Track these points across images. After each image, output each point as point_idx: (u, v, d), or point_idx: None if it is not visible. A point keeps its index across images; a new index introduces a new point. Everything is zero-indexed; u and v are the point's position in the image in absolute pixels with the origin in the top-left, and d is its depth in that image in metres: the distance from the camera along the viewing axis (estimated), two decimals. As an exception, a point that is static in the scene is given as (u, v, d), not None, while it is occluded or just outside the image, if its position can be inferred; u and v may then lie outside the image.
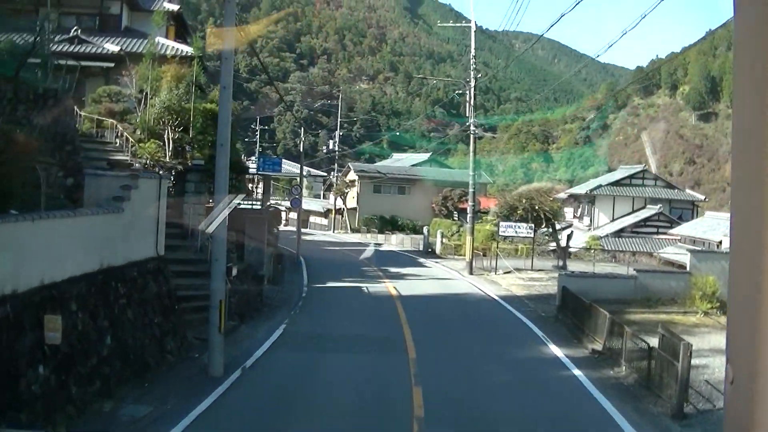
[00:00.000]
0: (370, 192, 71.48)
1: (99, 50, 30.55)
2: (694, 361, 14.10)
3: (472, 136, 37.17)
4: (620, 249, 53.61)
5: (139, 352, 13.24)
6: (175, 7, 33.95)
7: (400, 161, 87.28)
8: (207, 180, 22.24)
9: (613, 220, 60.64)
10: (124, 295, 13.11)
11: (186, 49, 29.63)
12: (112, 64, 30.17)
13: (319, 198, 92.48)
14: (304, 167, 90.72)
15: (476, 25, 36.73)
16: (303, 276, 32.94)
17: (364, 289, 29.25)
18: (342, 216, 75.80)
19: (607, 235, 56.90)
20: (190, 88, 27.34)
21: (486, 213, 53.29)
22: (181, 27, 35.86)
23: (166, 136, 26.16)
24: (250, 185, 31.53)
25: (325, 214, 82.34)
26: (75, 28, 31.08)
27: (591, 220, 62.50)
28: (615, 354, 17.16)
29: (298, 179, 46.54)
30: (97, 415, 11.07)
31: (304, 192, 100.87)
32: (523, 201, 39.65)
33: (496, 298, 28.24)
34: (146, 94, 27.14)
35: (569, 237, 41.52)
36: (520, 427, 12.22)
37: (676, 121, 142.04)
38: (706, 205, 65.53)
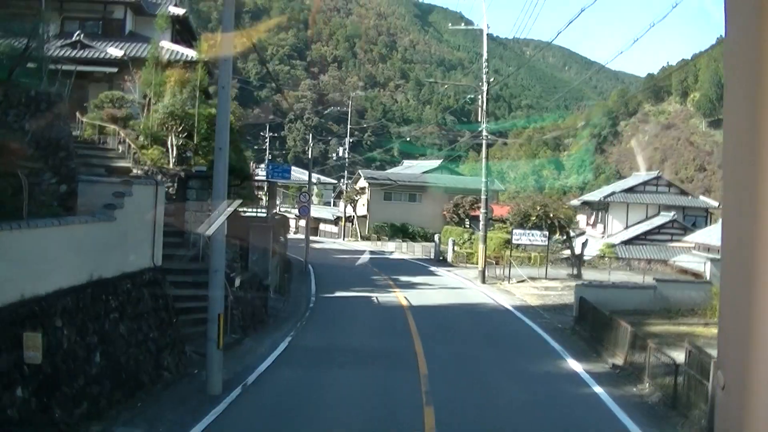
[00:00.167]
0: (380, 199, 70.71)
1: (102, 55, 29.97)
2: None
3: (484, 141, 36.29)
4: (634, 257, 52.73)
5: (132, 370, 12.42)
6: (180, 12, 33.32)
7: (411, 168, 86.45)
8: (209, 187, 21.44)
9: (627, 227, 59.78)
10: (116, 308, 12.30)
11: (190, 54, 28.94)
12: (116, 69, 29.57)
13: (330, 206, 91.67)
14: (314, 175, 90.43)
15: (487, 29, 35.83)
16: (311, 285, 32.13)
17: (374, 299, 28.39)
18: (352, 224, 75.00)
19: (620, 243, 55.96)
20: (195, 93, 26.62)
21: (497, 221, 52.34)
22: (187, 32, 35.19)
23: (169, 142, 25.46)
24: (259, 193, 30.78)
25: (335, 221, 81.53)
26: (78, 32, 30.53)
27: (604, 228, 61.65)
28: (637, 370, 16.22)
29: (307, 187, 45.78)
30: (83, 439, 10.29)
31: (314, 200, 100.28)
32: (537, 208, 38.77)
33: (510, 308, 27.34)
34: (149, 99, 26.45)
35: (584, 245, 40.53)
36: (540, 451, 11.34)
37: (687, 128, 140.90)
38: (719, 212, 64.41)
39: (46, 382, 9.76)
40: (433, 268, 43.61)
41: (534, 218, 37.82)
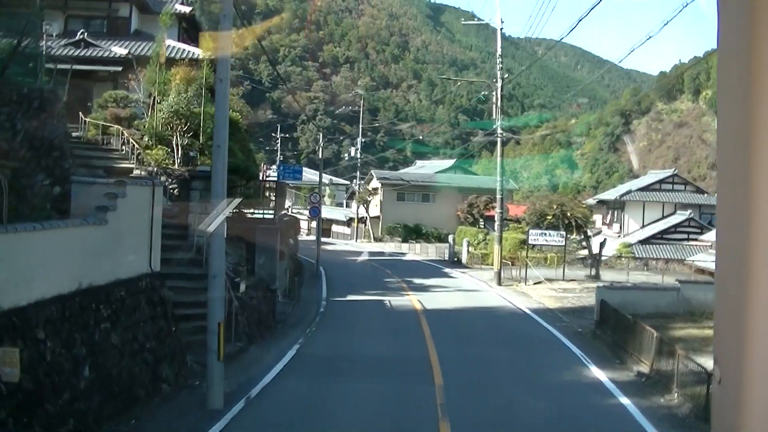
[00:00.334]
0: (393, 200, 69.81)
1: (106, 54, 29.25)
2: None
3: (499, 139, 35.27)
4: (651, 256, 51.78)
5: (125, 383, 11.60)
6: (187, 9, 32.62)
7: (424, 168, 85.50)
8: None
9: (643, 226, 58.81)
10: (108, 318, 11.47)
11: (195, 51, 28.20)
12: (120, 68, 28.83)
13: (342, 207, 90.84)
14: (327, 175, 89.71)
15: (501, 26, 34.85)
16: (322, 289, 31.27)
17: (387, 303, 27.49)
18: (365, 225, 74.15)
19: (637, 242, 54.92)
20: (200, 92, 25.87)
21: (512, 220, 51.30)
22: (194, 30, 34.42)
23: (174, 142, 24.73)
24: (271, 194, 29.97)
25: (348, 222, 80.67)
26: (81, 31, 29.83)
27: (620, 227, 60.65)
28: (665, 378, 15.24)
29: (320, 188, 44.93)
30: (69, 460, 9.48)
31: (326, 201, 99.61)
32: (554, 207, 37.76)
33: (528, 311, 26.36)
34: (154, 98, 25.72)
35: (602, 245, 39.44)
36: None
37: (699, 126, 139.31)
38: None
39: (26, 399, 8.95)
40: (447, 270, 42.65)
41: (550, 218, 36.78)
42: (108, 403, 10.88)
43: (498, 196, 36.16)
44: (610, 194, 65.94)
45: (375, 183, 73.07)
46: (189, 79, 26.33)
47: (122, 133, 25.01)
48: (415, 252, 58.08)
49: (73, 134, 25.76)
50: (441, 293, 31.13)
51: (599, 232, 54.03)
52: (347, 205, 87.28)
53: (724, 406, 1.57)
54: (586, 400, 14.17)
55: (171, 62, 27.12)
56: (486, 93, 39.75)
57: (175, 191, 22.56)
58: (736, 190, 1.55)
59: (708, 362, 13.47)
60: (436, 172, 76.50)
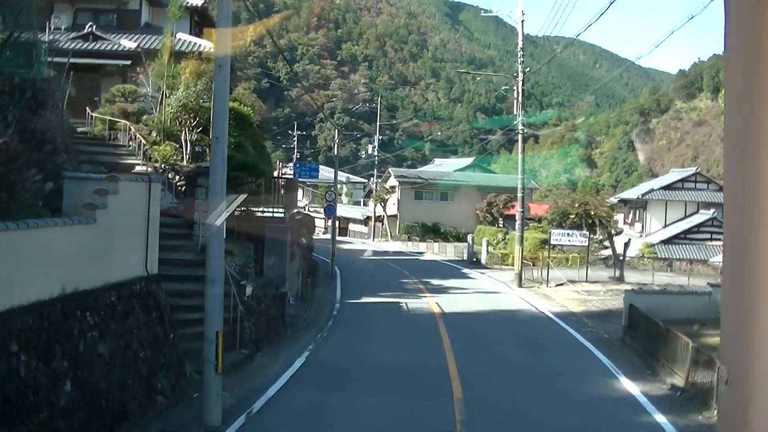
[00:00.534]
0: (411, 198, 68.74)
1: (115, 47, 28.43)
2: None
3: (520, 135, 34.02)
4: (674, 257, 50.53)
5: (115, 397, 10.59)
6: (199, 2, 31.73)
7: (442, 166, 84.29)
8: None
9: (665, 226, 57.54)
10: (95, 325, 10.47)
11: (207, 44, 27.25)
12: (129, 62, 27.99)
13: (360, 205, 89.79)
14: (344, 174, 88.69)
15: (522, 17, 33.60)
16: (336, 290, 30.21)
17: (403, 305, 26.37)
18: (382, 224, 73.08)
19: (659, 242, 53.61)
20: (210, 86, 24.88)
21: (531, 219, 50.03)
22: (206, 23, 33.48)
23: (183, 137, 23.80)
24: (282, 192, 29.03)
25: (365, 221, 79.60)
26: (90, 24, 29.03)
27: (642, 227, 59.37)
28: (702, 392, 14.00)
29: (335, 186, 43.84)
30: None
31: (344, 199, 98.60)
32: (576, 206, 36.48)
33: (551, 315, 25.17)
34: (163, 92, 24.79)
35: (626, 245, 38.14)
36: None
37: (719, 124, 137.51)
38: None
39: (-6, 421, 7.95)
40: (466, 271, 41.48)
41: (573, 217, 35.48)
42: (94, 420, 9.87)
43: (519, 195, 34.93)
44: (631, 193, 64.77)
45: (392, 181, 72.02)
46: (199, 72, 25.38)
47: (129, 128, 24.18)
48: (433, 251, 56.95)
49: (80, 129, 25.19)
50: (460, 295, 29.98)
51: (621, 232, 52.73)
52: (365, 204, 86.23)
53: (732, 407, 1.57)
54: (619, 418, 13.02)
55: (181, 56, 26.22)
56: (506, 87, 38.63)
57: (182, 188, 21.63)
58: (742, 193, 1.57)
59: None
60: (454, 171, 75.32)
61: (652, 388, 15.08)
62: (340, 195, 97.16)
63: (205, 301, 10.97)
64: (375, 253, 53.00)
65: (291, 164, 58.31)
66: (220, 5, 11.09)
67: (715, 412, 12.97)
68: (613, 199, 59.92)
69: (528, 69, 34.58)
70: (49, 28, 28.74)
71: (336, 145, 42.26)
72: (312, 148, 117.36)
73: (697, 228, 54.43)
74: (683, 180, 59.98)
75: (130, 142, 24.19)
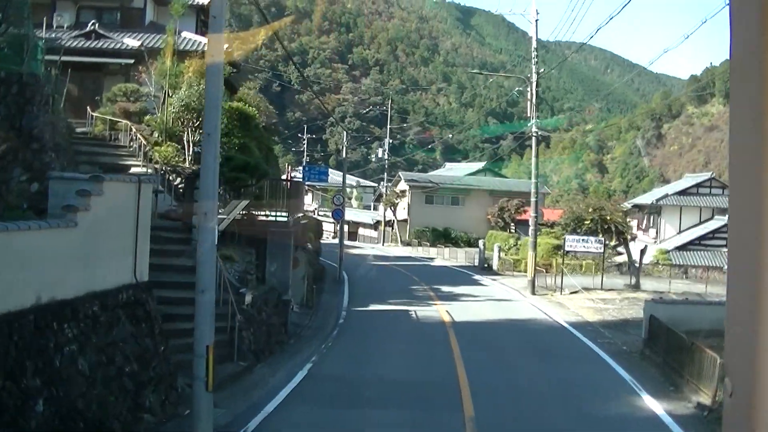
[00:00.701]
0: (421, 203, 67.84)
1: (118, 46, 27.67)
2: None
3: (534, 137, 33.00)
4: (689, 263, 49.44)
5: (95, 417, 9.70)
6: (205, 0, 30.93)
7: (453, 170, 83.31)
8: (219, 185, 18.82)
9: (680, 232, 56.38)
10: (74, 338, 9.59)
11: (204, 41, 26.47)
12: (132, 61, 27.22)
13: (370, 209, 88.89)
14: (354, 177, 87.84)
15: (536, 17, 32.62)
16: (343, 297, 29.28)
17: (412, 313, 25.41)
18: (392, 228, 72.15)
19: (674, 249, 52.47)
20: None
21: (544, 225, 48.96)
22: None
23: (185, 138, 22.99)
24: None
25: (375, 226, 78.68)
26: (92, 22, 28.30)
27: (657, 232, 58.22)
28: (732, 411, 12.98)
29: (343, 189, 42.94)
30: None
31: (354, 203, 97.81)
32: (590, 210, 35.44)
33: (566, 325, 24.16)
34: (166, 92, 24.00)
35: (643, 252, 37.07)
36: None
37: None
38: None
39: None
40: (477, 277, 40.47)
41: (589, 222, 34.42)
42: (70, 442, 8.99)
43: (532, 199, 33.91)
44: (645, 198, 63.74)
45: (403, 185, 71.11)
46: (203, 71, 24.51)
47: (130, 128, 23.41)
48: (444, 257, 55.98)
49: (81, 129, 24.48)
50: (471, 303, 29.00)
51: (634, 238, 51.70)
52: (375, 208, 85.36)
53: (736, 419, 1.56)
54: (644, 440, 12.04)
55: (185, 54, 25.45)
56: (520, 89, 37.64)
57: (181, 190, 20.81)
58: (747, 202, 1.57)
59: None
60: (465, 175, 74.37)
61: (676, 406, 14.09)
62: (350, 199, 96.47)
63: (195, 312, 10.06)
64: (384, 258, 52.07)
65: (301, 168, 57.56)
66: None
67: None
68: (627, 205, 58.91)
69: (542, 70, 33.53)
70: (48, 26, 28.29)
71: (344, 148, 41.25)
72: (323, 151, 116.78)
73: (712, 234, 53.22)
74: (698, 185, 58.89)
75: (131, 143, 23.43)
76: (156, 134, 23.42)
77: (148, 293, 12.13)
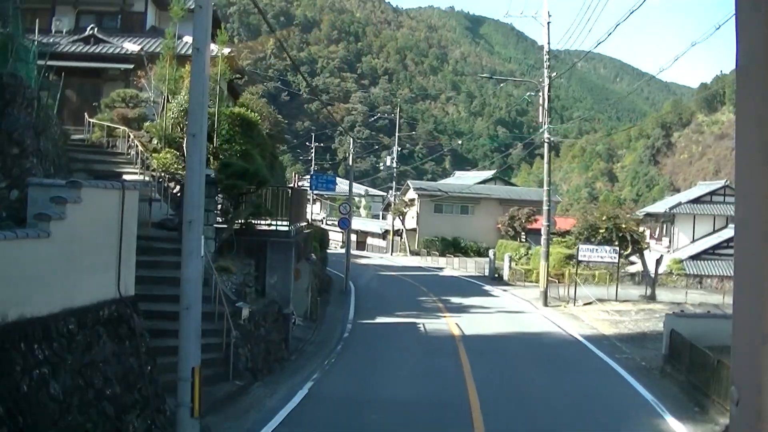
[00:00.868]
0: (430, 212, 66.94)
1: (117, 50, 26.95)
2: None
3: (546, 143, 32.01)
4: (703, 273, 48.43)
5: (69, 447, 8.78)
6: (208, 5, 30.15)
7: (463, 179, 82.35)
8: (217, 193, 17.97)
9: (693, 241, 55.24)
10: (46, 360, 8.69)
11: (215, 48, 25.72)
12: (131, 66, 26.47)
13: (378, 218, 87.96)
14: (363, 186, 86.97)
15: (548, 19, 31.73)
16: (349, 309, 28.32)
17: (420, 326, 24.43)
18: (401, 238, 71.21)
19: (688, 258, 51.37)
20: (214, 89, 23.28)
21: (554, 234, 47.95)
22: (216, 28, 32.00)
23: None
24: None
25: (383, 235, 77.74)
26: (91, 26, 27.60)
27: (670, 241, 57.13)
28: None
29: (350, 197, 42.02)
30: None
31: (362, 212, 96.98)
32: (605, 219, 34.41)
33: (581, 338, 23.14)
34: (165, 97, 23.22)
35: (658, 262, 36.00)
36: None
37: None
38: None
39: None
40: (487, 287, 39.47)
41: (603, 231, 33.37)
42: (38, 477, 8.08)
43: (545, 207, 32.90)
44: (658, 207, 62.78)
45: (411, 194, 70.20)
46: (203, 76, 23.69)
47: (128, 135, 22.63)
48: (453, 267, 54.99)
49: (78, 136, 23.81)
50: (482, 315, 28.01)
51: (647, 247, 50.70)
52: (383, 217, 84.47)
53: (743, 427, 1.55)
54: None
55: (186, 59, 24.57)
56: (531, 94, 36.72)
57: (180, 199, 19.96)
58: (755, 212, 1.55)
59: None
60: (474, 183, 73.40)
61: (703, 429, 13.10)
62: (359, 208, 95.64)
63: (180, 331, 9.17)
64: (392, 268, 51.14)
65: (309, 176, 56.82)
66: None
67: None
68: (639, 213, 57.91)
69: (554, 74, 32.58)
70: (47, 31, 27.61)
71: (351, 156, 40.36)
72: (332, 160, 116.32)
73: (727, 243, 52.07)
74: (711, 193, 57.85)
75: (129, 150, 22.65)
76: (155, 141, 22.66)
77: (133, 308, 11.22)
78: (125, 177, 17.42)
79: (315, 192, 59.57)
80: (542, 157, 33.65)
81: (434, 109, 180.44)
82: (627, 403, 15.11)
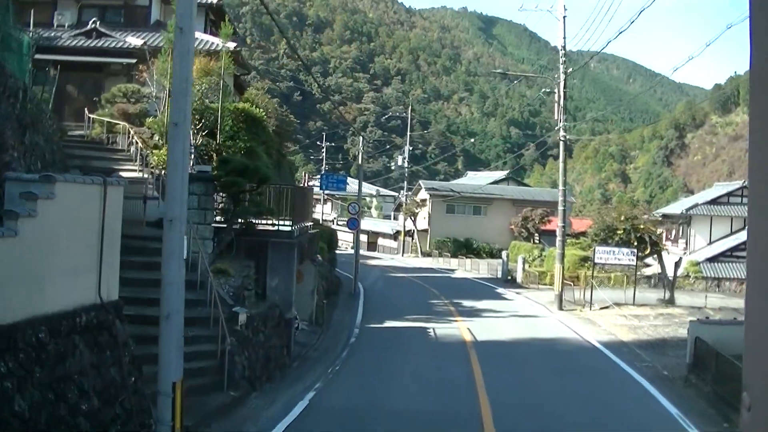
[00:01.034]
0: (442, 212, 65.92)
1: (119, 44, 26.19)
2: None
3: (561, 142, 30.92)
4: (721, 276, 47.21)
5: (36, 469, 7.90)
6: (215, 0, 29.53)
7: (475, 179, 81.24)
8: (215, 191, 17.11)
9: (710, 242, 53.94)
10: (10, 373, 7.81)
11: (214, 41, 24.98)
12: (134, 61, 25.70)
13: (390, 219, 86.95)
14: (374, 186, 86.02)
15: (564, 13, 30.66)
16: (357, 312, 27.40)
17: (431, 331, 23.47)
18: (412, 238, 70.21)
19: (705, 260, 50.13)
20: (218, 84, 22.48)
21: (569, 235, 46.87)
22: (223, 22, 31.26)
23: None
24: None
25: (395, 236, 76.75)
26: (93, 20, 26.86)
27: (687, 243, 55.87)
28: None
29: (359, 197, 41.11)
30: None
31: (373, 213, 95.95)
32: (622, 219, 33.33)
33: (598, 345, 22.12)
34: (167, 92, 22.41)
35: (677, 264, 34.86)
36: None
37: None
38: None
39: None
40: (500, 290, 38.46)
41: (621, 232, 32.29)
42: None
43: (560, 208, 31.82)
44: (674, 208, 61.42)
45: (423, 194, 69.19)
46: (207, 70, 23.05)
47: (129, 131, 21.87)
48: (465, 268, 53.98)
49: (78, 132, 23.25)
50: (494, 319, 27.01)
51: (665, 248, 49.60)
52: (395, 218, 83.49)
53: None
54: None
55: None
56: (547, 90, 35.68)
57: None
58: (766, 220, 1.51)
59: None
60: (487, 183, 72.28)
61: (734, 448, 12.09)
62: (370, 209, 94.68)
63: (159, 342, 8.28)
64: (403, 269, 50.19)
65: (319, 176, 56.00)
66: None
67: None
68: (656, 215, 56.77)
69: (569, 69, 31.51)
70: (49, 25, 26.94)
71: (360, 155, 39.36)
72: (344, 160, 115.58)
73: (744, 245, 50.69)
74: (729, 194, 56.40)
75: (129, 146, 21.92)
76: (156, 137, 21.91)
77: (116, 314, 10.34)
78: (122, 174, 16.57)
79: (326, 192, 58.73)
80: (555, 158, 32.77)
81: (447, 109, 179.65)
82: (649, 415, 14.13)
